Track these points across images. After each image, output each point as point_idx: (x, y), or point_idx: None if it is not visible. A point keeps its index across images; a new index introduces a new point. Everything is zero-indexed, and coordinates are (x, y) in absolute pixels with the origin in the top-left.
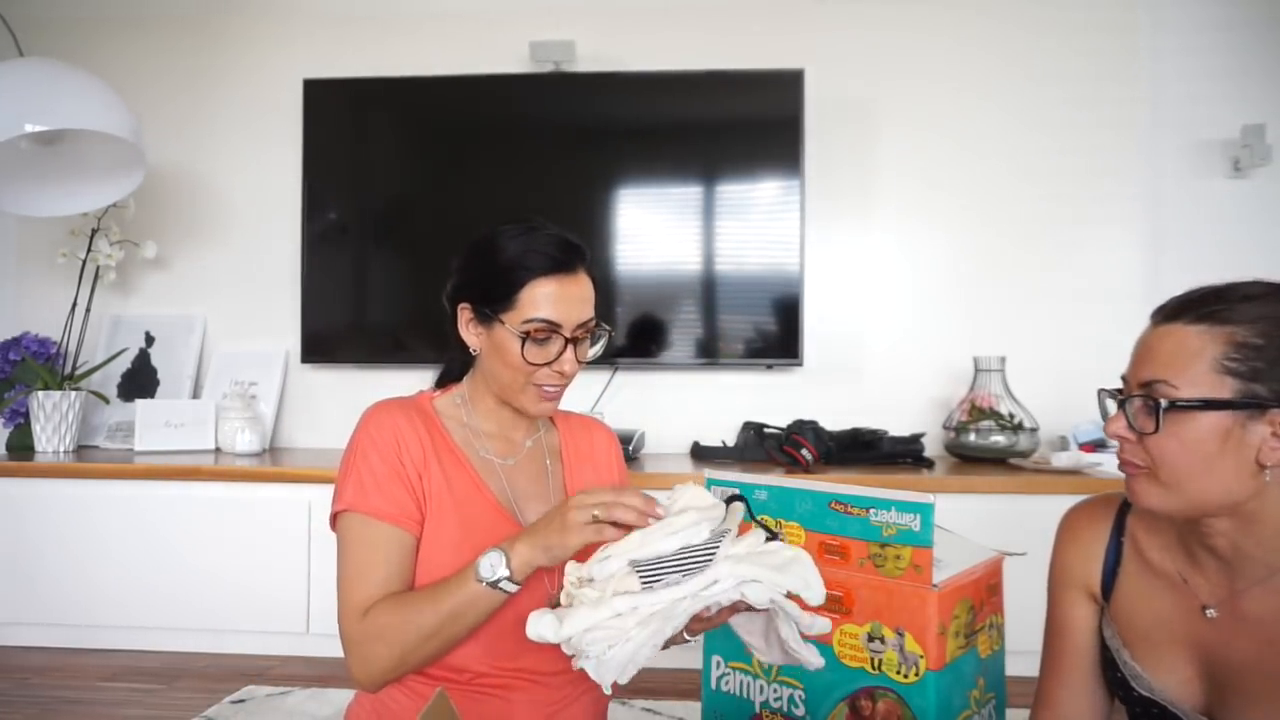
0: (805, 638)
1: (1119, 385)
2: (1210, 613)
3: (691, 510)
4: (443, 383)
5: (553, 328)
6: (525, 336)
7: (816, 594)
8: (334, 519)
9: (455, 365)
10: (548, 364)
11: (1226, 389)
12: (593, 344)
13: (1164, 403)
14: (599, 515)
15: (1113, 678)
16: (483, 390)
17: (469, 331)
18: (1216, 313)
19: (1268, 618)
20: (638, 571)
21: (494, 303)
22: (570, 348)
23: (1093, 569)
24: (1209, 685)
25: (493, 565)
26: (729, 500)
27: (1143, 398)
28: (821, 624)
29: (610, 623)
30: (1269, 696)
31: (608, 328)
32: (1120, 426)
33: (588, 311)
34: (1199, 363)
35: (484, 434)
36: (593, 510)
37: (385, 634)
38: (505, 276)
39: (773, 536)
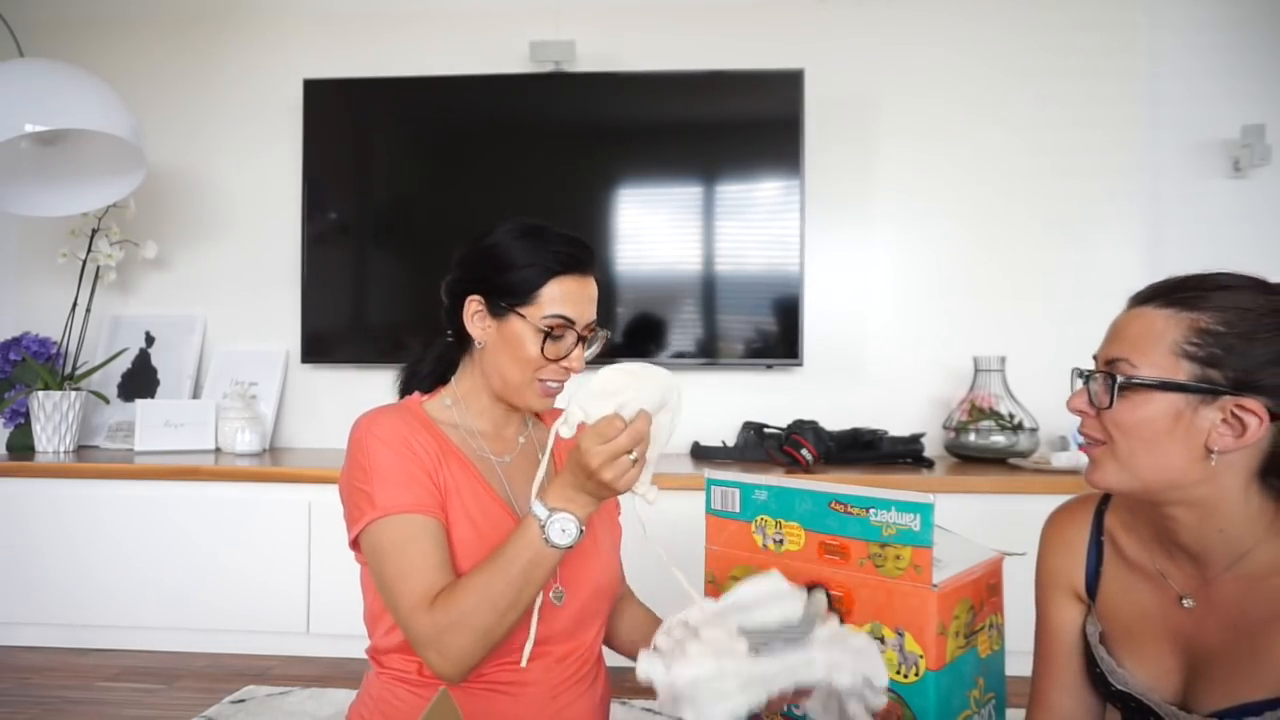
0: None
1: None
2: (1187, 603)
3: (782, 590)
4: (409, 383)
5: (569, 324)
6: (548, 332)
7: (884, 680)
8: (361, 533)
9: (430, 363)
10: (559, 360)
11: (1182, 372)
12: (591, 345)
13: (1120, 379)
14: (637, 457)
15: (1093, 674)
16: (477, 389)
17: (475, 324)
18: (1187, 299)
19: (1236, 601)
20: (746, 636)
21: (512, 296)
22: (580, 346)
23: (1076, 570)
24: (1188, 675)
25: (564, 529)
26: (810, 588)
27: (1104, 374)
28: (883, 702)
29: (714, 679)
30: (1237, 677)
31: (606, 331)
32: (1081, 401)
33: (594, 312)
34: (1160, 344)
35: (478, 433)
36: (631, 457)
37: (462, 620)
38: (527, 272)
39: (841, 621)
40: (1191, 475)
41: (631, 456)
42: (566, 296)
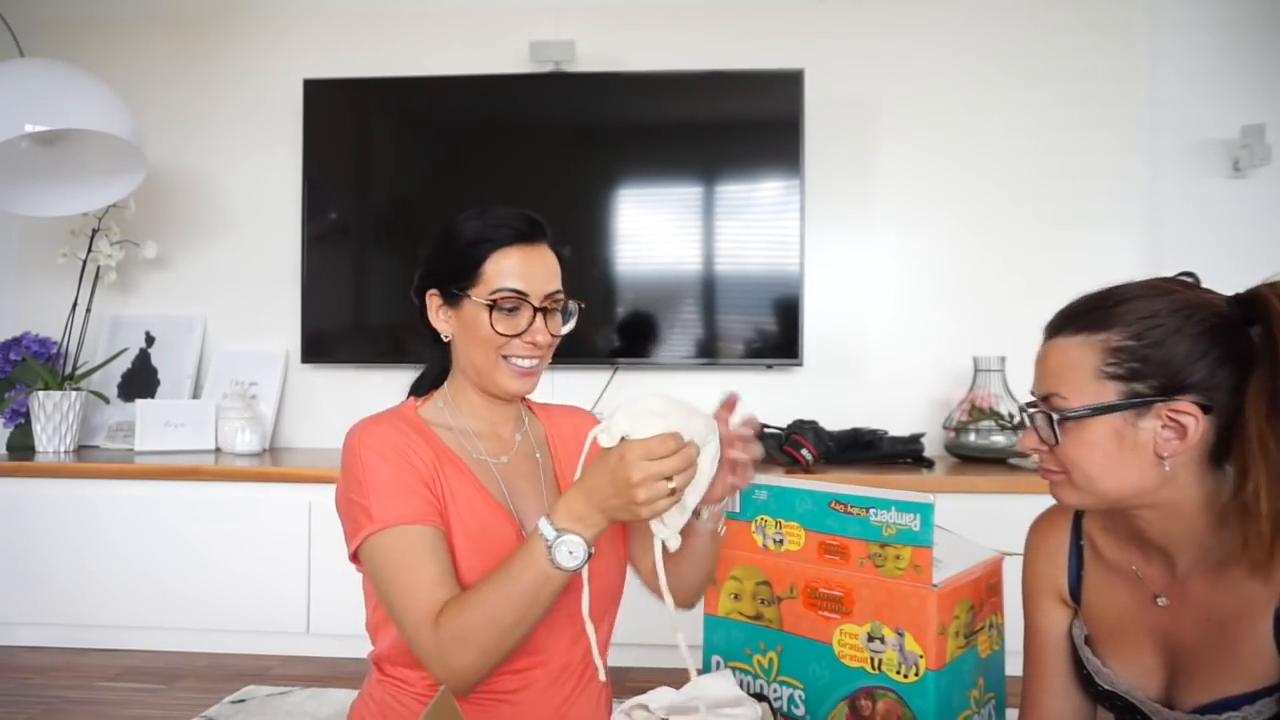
0: None
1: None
2: (1161, 601)
3: (737, 697)
4: (419, 389)
5: (520, 297)
6: (492, 305)
7: None
8: (360, 547)
9: (434, 368)
10: (518, 335)
11: (1110, 393)
12: (564, 320)
13: (1056, 416)
14: (677, 487)
15: (1081, 675)
16: (465, 387)
17: (439, 318)
18: (1093, 321)
19: (1205, 595)
20: None
21: (460, 280)
22: (540, 318)
23: (1060, 575)
24: (1170, 672)
25: (572, 552)
26: (759, 696)
27: (1042, 412)
28: None
29: None
30: (1215, 672)
31: (579, 303)
32: (1032, 440)
33: (554, 283)
34: (1081, 373)
35: (473, 434)
36: (670, 484)
37: (467, 637)
38: (469, 252)
39: None
40: (1150, 483)
41: (671, 484)
42: (512, 269)
